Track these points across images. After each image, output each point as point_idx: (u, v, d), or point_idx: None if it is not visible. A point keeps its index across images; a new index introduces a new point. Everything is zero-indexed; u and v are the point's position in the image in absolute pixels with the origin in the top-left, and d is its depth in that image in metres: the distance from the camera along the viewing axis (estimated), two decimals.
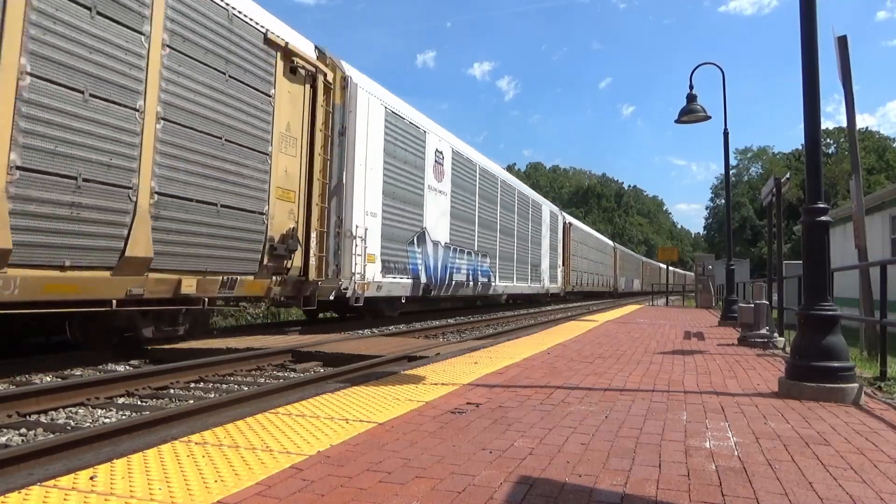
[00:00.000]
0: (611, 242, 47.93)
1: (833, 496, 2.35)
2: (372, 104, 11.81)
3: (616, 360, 6.34)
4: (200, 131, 7.75)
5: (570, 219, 32.63)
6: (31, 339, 8.72)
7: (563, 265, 29.75)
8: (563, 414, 3.70)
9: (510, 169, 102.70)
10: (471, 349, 7.14)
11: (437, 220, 14.98)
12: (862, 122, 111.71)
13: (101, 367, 7.12)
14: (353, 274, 10.88)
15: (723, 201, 66.07)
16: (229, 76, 8.20)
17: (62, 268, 6.12)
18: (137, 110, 6.83)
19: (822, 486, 2.46)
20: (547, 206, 28.18)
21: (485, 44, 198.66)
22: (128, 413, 5.13)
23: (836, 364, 4.30)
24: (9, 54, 5.56)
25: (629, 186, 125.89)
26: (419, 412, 3.65)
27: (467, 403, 3.93)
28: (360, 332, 11.47)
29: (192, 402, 5.46)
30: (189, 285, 7.59)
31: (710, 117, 12.29)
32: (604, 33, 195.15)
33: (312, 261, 10.01)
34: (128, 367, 7.16)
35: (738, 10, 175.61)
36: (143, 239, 6.90)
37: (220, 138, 8.06)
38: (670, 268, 36.52)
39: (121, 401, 5.57)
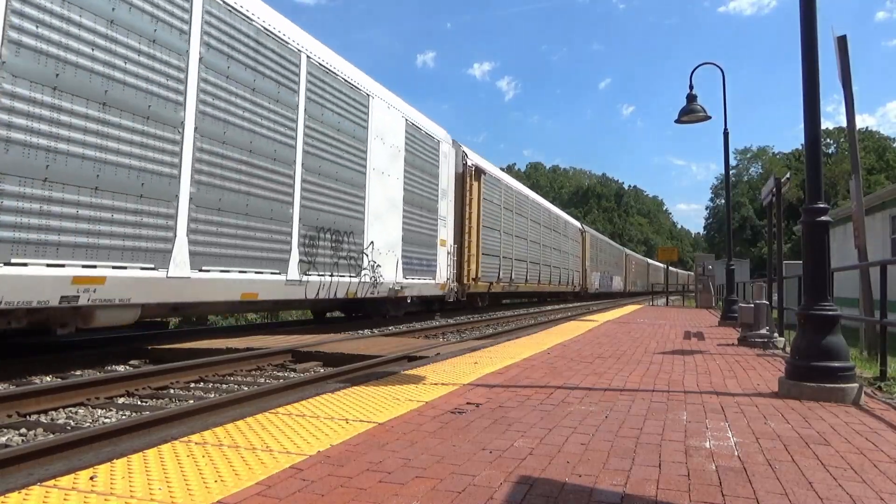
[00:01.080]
0: (577, 223, 34.01)
1: (833, 496, 2.35)
2: None
3: (616, 360, 6.34)
4: None
5: (477, 159, 17.97)
6: (31, 339, 8.71)
7: (464, 245, 16.69)
8: (563, 414, 3.70)
9: (510, 169, 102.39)
10: (471, 349, 7.13)
11: None
12: (862, 122, 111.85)
13: (101, 367, 7.12)
14: None
15: (723, 201, 66.16)
16: None
17: None
18: None
19: (822, 486, 2.46)
20: (394, 109, 12.76)
21: (484, 44, 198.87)
22: (128, 413, 5.13)
23: (836, 364, 4.30)
24: None
25: (629, 186, 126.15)
26: (419, 412, 3.65)
27: (467, 403, 3.93)
28: (360, 332, 11.47)
29: (192, 402, 5.46)
30: None
31: (710, 117, 12.30)
32: (604, 34, 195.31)
33: None
34: (128, 367, 7.16)
35: (737, 11, 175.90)
36: None
37: None
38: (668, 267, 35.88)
39: (121, 401, 5.57)
